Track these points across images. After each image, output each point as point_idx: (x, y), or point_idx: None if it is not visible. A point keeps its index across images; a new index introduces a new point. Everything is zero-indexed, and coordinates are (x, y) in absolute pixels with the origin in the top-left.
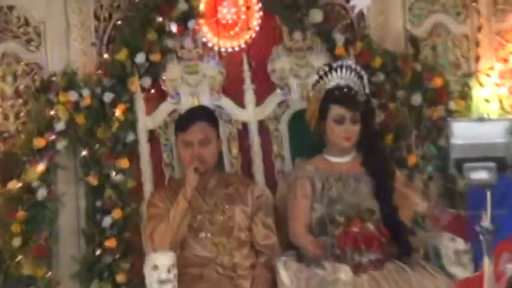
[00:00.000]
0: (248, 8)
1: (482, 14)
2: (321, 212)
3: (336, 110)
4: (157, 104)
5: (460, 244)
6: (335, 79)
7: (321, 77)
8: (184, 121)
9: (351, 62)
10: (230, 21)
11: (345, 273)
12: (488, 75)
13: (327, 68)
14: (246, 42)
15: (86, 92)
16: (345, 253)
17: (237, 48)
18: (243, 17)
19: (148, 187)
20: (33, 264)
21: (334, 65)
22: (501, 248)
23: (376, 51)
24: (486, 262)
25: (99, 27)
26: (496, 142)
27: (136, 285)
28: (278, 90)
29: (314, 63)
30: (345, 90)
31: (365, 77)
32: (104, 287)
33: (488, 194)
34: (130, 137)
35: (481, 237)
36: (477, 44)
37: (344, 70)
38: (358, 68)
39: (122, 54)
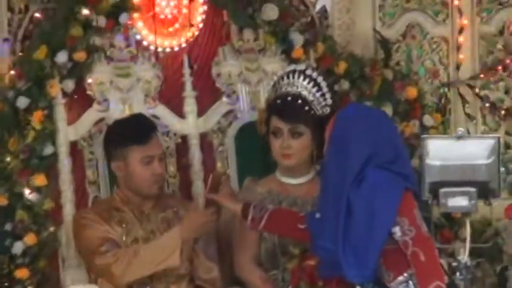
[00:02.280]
0: (191, 0)
1: (465, 14)
2: (272, 242)
3: (274, 122)
4: (81, 112)
5: None
6: (284, 86)
7: (274, 85)
8: (141, 132)
9: (304, 66)
10: (169, 16)
11: None
12: (470, 86)
13: (280, 74)
14: (187, 41)
15: None
16: None
17: (176, 48)
18: (185, 11)
19: (68, 209)
20: None
21: (286, 70)
22: None
23: (341, 55)
24: None
25: (13, 20)
26: (477, 164)
27: None
28: (224, 99)
29: (267, 68)
30: (288, 99)
31: (323, 84)
32: None
33: (468, 223)
34: (48, 150)
35: (457, 275)
36: (458, 48)
37: (296, 76)
38: (314, 74)
39: (40, 53)
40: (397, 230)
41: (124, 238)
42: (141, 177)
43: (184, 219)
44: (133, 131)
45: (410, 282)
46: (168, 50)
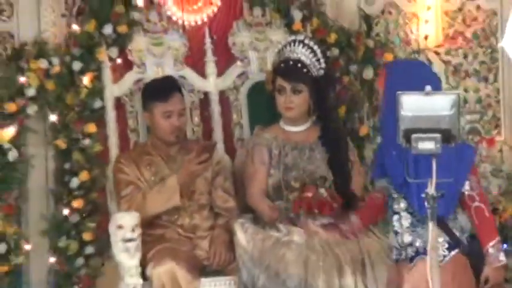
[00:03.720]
0: None
1: None
2: (277, 178)
3: (278, 81)
4: (124, 73)
5: None
6: (287, 53)
7: (279, 51)
8: (164, 91)
9: (303, 36)
10: None
11: (298, 235)
12: (436, 52)
13: (283, 43)
14: (208, 17)
15: (55, 60)
16: (299, 217)
17: (199, 22)
18: None
19: (114, 151)
20: (4, 221)
21: (288, 40)
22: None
23: (332, 27)
24: (430, 228)
25: None
26: (441, 115)
27: (101, 243)
28: (238, 63)
29: (272, 38)
30: (290, 63)
31: (318, 51)
32: (71, 244)
33: (434, 162)
34: (97, 104)
35: (426, 204)
36: (426, 22)
37: (296, 44)
38: (311, 43)
39: (91, 26)
40: (466, 184)
41: (153, 178)
42: (161, 127)
43: (181, 168)
44: (157, 90)
45: None
46: (193, 23)
